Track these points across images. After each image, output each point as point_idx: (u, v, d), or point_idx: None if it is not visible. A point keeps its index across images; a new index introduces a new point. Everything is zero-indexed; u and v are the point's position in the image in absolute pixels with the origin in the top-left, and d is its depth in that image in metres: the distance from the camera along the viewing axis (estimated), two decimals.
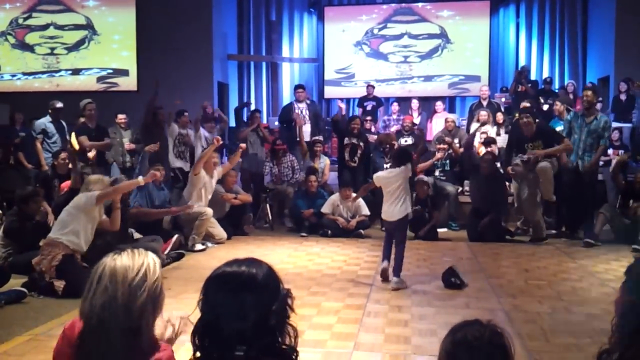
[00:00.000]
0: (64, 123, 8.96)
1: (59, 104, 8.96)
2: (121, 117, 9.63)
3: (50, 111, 8.88)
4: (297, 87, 11.00)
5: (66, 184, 7.34)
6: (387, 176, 5.74)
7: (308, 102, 10.88)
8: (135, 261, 1.90)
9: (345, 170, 9.24)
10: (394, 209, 5.59)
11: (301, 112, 10.33)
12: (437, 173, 9.15)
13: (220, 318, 1.69)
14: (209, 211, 7.69)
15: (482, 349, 1.60)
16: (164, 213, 7.32)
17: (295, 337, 1.75)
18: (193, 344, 1.74)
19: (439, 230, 8.31)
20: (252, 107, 12.27)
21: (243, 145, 8.42)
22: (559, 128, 8.61)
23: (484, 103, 11.09)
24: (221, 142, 8.35)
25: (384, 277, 5.64)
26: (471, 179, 8.61)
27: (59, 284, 5.19)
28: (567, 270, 6.26)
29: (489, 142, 9.44)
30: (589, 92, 8.04)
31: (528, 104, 8.67)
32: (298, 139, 9.85)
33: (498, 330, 1.65)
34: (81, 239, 5.43)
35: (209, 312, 1.72)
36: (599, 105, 11.05)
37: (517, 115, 8.75)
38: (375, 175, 5.97)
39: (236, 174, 8.92)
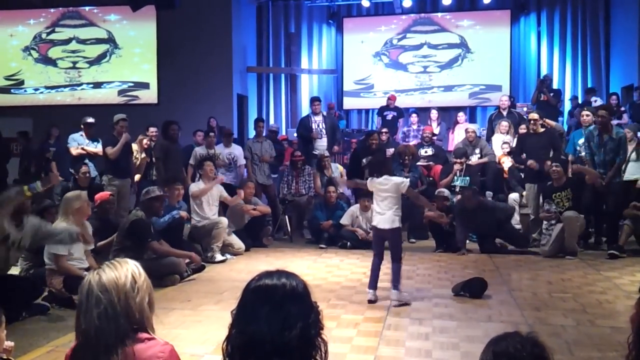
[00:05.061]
0: (98, 139, 9.12)
1: (90, 119, 9.15)
2: (152, 130, 9.53)
3: (82, 126, 9.11)
4: (313, 99, 10.85)
5: (100, 196, 7.13)
6: (381, 182, 5.51)
7: (324, 113, 10.87)
8: (120, 270, 1.97)
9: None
10: (385, 215, 5.43)
11: (317, 125, 10.33)
12: (457, 189, 8.99)
13: (264, 331, 1.64)
14: (224, 220, 7.72)
15: None
16: (183, 256, 6.56)
17: (325, 352, 1.72)
18: (226, 354, 1.70)
19: None
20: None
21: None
22: (580, 140, 8.47)
23: (504, 113, 10.96)
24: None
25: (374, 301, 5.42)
26: (456, 212, 8.02)
27: (77, 297, 5.26)
28: (592, 283, 6.14)
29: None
30: (603, 112, 7.85)
31: (536, 115, 8.55)
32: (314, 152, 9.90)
33: (539, 342, 1.63)
34: (74, 261, 5.64)
35: (251, 325, 1.66)
36: (625, 117, 10.89)
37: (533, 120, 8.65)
38: (369, 180, 5.69)
39: (254, 185, 8.90)
